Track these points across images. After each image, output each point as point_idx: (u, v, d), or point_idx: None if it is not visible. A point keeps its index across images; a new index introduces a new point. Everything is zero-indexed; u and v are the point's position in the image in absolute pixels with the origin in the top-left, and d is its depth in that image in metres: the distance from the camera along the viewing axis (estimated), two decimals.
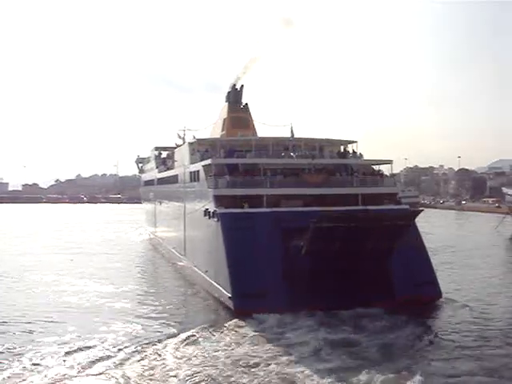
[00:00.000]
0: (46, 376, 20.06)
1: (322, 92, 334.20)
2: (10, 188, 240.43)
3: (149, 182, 72.54)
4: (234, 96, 50.47)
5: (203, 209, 34.67)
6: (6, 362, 21.47)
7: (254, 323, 26.36)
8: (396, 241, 28.99)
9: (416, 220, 31.05)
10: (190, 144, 41.67)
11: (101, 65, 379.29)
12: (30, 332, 25.93)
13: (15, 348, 23.11)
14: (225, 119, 49.01)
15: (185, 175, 42.89)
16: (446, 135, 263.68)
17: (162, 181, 58.48)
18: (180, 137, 70.20)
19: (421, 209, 36.11)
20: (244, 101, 50.82)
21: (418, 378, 18.87)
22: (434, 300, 30.99)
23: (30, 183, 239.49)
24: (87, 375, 20.36)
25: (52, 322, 27.79)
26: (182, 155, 44.54)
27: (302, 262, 28.65)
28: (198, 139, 41.66)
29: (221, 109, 51.67)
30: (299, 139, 37.89)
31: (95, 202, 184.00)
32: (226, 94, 51.61)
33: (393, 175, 38.47)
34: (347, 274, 27.50)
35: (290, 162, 35.98)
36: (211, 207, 32.99)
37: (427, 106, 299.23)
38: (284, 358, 21.55)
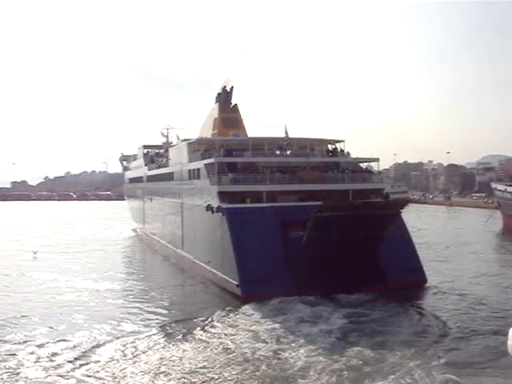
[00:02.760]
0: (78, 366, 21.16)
1: (311, 92, 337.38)
2: None
3: (135, 180, 74.51)
4: (225, 97, 52.79)
5: (205, 204, 37.14)
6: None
7: (260, 307, 28.93)
8: (387, 229, 32.06)
9: (406, 215, 34.25)
10: (190, 144, 44.09)
11: (92, 62, 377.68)
12: (52, 329, 26.50)
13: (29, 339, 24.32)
14: (215, 119, 51.32)
15: (182, 173, 45.28)
16: (436, 131, 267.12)
17: (152, 178, 60.59)
18: (164, 135, 72.83)
19: (407, 198, 39.37)
20: (234, 102, 53.45)
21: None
22: (421, 285, 34.16)
23: (18, 180, 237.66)
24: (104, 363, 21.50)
25: (73, 322, 27.91)
26: (180, 154, 46.88)
27: (302, 250, 31.48)
28: (197, 139, 44.22)
29: (211, 109, 54.04)
30: (292, 139, 40.64)
31: (85, 200, 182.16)
32: (216, 95, 54.06)
33: (380, 172, 41.67)
34: (343, 260, 30.26)
35: (287, 161, 38.82)
36: (214, 202, 35.54)
37: (417, 104, 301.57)
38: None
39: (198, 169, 40.11)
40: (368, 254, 31.71)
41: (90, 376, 20.08)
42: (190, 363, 21.36)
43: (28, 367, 20.95)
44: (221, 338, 24.39)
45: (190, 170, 42.91)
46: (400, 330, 24.98)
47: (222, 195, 35.27)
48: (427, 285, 34.48)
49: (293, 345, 23.03)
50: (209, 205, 36.42)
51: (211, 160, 37.51)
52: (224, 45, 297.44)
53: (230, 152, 39.83)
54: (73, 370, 20.61)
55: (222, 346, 23.19)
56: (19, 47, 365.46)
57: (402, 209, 33.82)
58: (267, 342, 23.50)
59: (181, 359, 21.84)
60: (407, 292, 31.88)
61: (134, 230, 76.20)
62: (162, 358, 21.89)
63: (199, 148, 42.57)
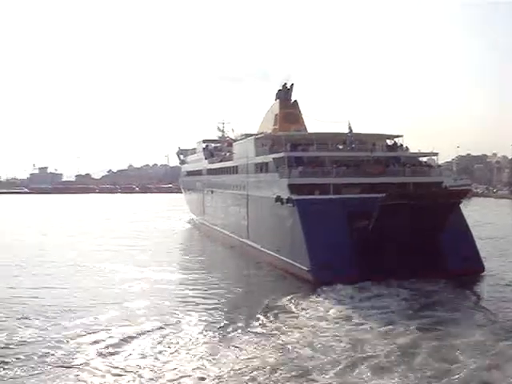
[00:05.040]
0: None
1: (370, 85, 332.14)
2: (64, 179, 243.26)
3: (194, 173, 77.89)
4: (285, 94, 55.56)
5: (273, 196, 39.88)
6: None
7: (332, 292, 31.27)
8: (447, 217, 34.33)
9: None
10: (257, 139, 47.04)
11: (150, 56, 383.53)
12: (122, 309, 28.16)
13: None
14: (276, 115, 54.17)
15: (248, 166, 48.22)
16: (501, 122, 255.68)
17: (214, 171, 63.77)
18: (220, 129, 76.23)
19: (467, 189, 41.65)
20: (293, 98, 56.15)
21: None
22: (479, 273, 36.33)
23: (83, 174, 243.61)
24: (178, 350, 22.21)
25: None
26: (245, 148, 49.83)
27: (368, 238, 33.95)
28: (265, 134, 47.17)
29: (271, 105, 56.90)
30: (355, 134, 43.05)
31: (147, 192, 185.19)
32: (276, 92, 56.85)
33: (439, 166, 43.85)
34: (407, 248, 32.49)
35: (351, 155, 41.30)
36: (284, 194, 38.30)
37: (480, 94, 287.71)
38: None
39: (266, 163, 42.90)
40: (430, 242, 33.97)
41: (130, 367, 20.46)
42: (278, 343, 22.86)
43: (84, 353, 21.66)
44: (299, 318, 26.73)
45: (256, 164, 45.77)
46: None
47: (292, 187, 37.97)
48: (484, 273, 36.64)
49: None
50: (278, 196, 39.08)
51: (281, 154, 40.28)
52: (279, 35, 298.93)
53: (296, 147, 42.50)
54: (126, 359, 21.24)
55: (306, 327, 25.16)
56: (94, 42, 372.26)
57: (461, 198, 36.11)
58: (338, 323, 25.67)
59: (270, 339, 23.31)
60: (467, 279, 34.17)
61: (192, 221, 79.63)
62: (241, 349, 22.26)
63: (265, 143, 45.35)
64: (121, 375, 19.56)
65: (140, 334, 23.91)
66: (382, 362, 20.22)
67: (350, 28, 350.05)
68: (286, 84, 56.19)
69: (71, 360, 20.83)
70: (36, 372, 19.70)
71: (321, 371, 19.58)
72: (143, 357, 21.29)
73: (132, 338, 23.50)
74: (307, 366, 20.07)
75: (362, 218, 34.98)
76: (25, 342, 22.86)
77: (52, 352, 21.56)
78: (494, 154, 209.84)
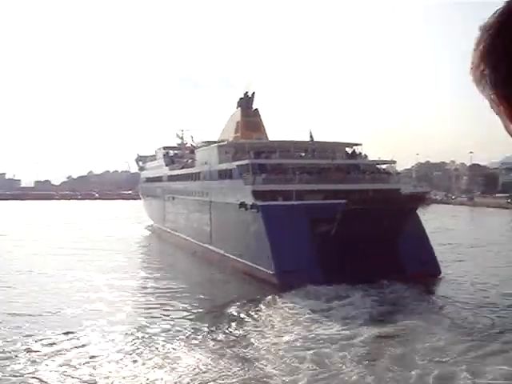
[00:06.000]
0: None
1: (327, 96, 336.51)
2: (23, 185, 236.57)
3: (154, 179, 77.99)
4: (246, 102, 56.66)
5: (238, 202, 40.73)
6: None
7: (295, 296, 32.20)
8: (406, 221, 35.83)
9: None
10: (220, 146, 47.90)
11: (111, 62, 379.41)
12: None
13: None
14: (238, 122, 55.17)
15: (211, 173, 48.96)
16: (460, 131, 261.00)
17: (175, 177, 64.16)
18: (179, 136, 76.80)
19: (424, 195, 43.62)
20: (254, 106, 57.30)
21: None
22: (436, 276, 37.92)
23: (42, 180, 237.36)
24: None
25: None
26: (208, 155, 50.58)
27: (330, 242, 35.10)
28: (228, 142, 48.02)
29: (232, 113, 57.91)
30: (316, 142, 44.37)
31: (107, 199, 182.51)
32: (237, 100, 57.88)
33: (397, 173, 45.59)
34: (368, 251, 33.72)
35: (313, 162, 42.56)
36: (249, 200, 39.19)
37: (439, 103, 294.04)
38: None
39: (230, 169, 43.77)
40: (389, 246, 35.37)
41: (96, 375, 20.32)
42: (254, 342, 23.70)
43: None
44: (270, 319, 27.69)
45: (220, 171, 46.57)
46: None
47: (256, 194, 38.93)
48: (440, 276, 38.27)
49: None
50: (242, 202, 39.96)
51: (245, 161, 41.26)
52: (242, 42, 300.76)
53: (259, 154, 43.53)
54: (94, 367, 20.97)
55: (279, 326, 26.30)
56: (41, 49, 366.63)
57: (418, 204, 37.81)
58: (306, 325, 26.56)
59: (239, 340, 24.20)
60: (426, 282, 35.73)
61: (151, 228, 79.54)
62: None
63: (228, 150, 46.25)
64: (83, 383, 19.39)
65: (99, 343, 23.73)
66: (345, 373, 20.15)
67: (312, 37, 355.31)
68: (247, 92, 57.32)
69: (30, 371, 20.39)
70: None
71: None
72: (100, 365, 21.03)
73: (90, 345, 23.34)
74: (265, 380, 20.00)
75: (324, 223, 36.18)
76: None
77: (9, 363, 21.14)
78: (453, 162, 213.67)
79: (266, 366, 20.90)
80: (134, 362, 21.38)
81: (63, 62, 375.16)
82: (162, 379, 19.65)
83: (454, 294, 33.72)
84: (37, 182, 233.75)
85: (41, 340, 23.77)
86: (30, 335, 24.50)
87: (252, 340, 24.15)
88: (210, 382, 19.40)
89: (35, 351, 22.44)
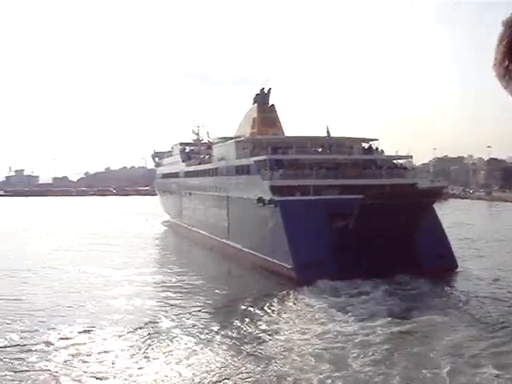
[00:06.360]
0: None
1: (343, 90, 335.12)
2: (41, 181, 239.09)
3: (170, 175, 78.65)
4: (263, 98, 57.03)
5: (255, 197, 41.15)
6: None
7: (313, 292, 32.31)
8: (423, 216, 36.00)
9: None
10: (238, 142, 48.32)
11: (131, 59, 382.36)
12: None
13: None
14: (254, 119, 55.57)
15: (228, 168, 49.43)
16: (478, 125, 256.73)
17: (191, 173, 64.73)
18: (195, 132, 77.35)
19: (441, 190, 43.69)
20: (271, 102, 57.63)
21: None
22: (453, 270, 38.11)
23: (59, 176, 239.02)
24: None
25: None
26: (226, 151, 51.04)
27: (348, 237, 35.39)
28: (246, 138, 48.43)
29: (248, 109, 58.32)
30: (333, 138, 44.64)
31: (124, 194, 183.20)
32: (254, 96, 58.27)
33: (413, 168, 45.75)
34: (385, 246, 33.87)
35: (329, 158, 42.85)
36: (266, 196, 39.59)
37: (454, 95, 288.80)
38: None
39: (248, 165, 44.16)
40: (406, 240, 35.58)
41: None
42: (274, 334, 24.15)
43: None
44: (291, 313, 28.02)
45: (237, 166, 47.01)
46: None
47: (273, 189, 39.30)
48: (459, 270, 38.43)
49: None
50: (260, 197, 40.35)
51: (263, 157, 41.62)
52: (259, 39, 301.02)
53: (276, 150, 43.89)
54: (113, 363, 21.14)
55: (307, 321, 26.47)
56: (60, 46, 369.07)
57: (435, 198, 37.98)
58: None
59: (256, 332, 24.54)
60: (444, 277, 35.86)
61: (167, 223, 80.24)
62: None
63: (246, 146, 46.67)
64: (97, 378, 19.53)
65: (118, 337, 23.94)
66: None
67: (328, 33, 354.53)
68: (263, 89, 57.68)
69: (47, 365, 20.62)
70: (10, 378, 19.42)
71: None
72: (119, 360, 21.20)
73: (109, 340, 23.56)
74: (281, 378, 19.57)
75: (341, 218, 36.48)
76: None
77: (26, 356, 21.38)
78: (470, 156, 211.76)
79: (282, 364, 20.60)
80: (148, 357, 21.40)
81: (83, 59, 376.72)
82: (178, 375, 19.63)
83: (474, 290, 33.68)
84: (55, 179, 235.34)
85: (59, 334, 24.02)
86: (51, 329, 24.90)
87: (268, 337, 23.98)
88: (225, 379, 19.37)
89: (52, 344, 22.74)
